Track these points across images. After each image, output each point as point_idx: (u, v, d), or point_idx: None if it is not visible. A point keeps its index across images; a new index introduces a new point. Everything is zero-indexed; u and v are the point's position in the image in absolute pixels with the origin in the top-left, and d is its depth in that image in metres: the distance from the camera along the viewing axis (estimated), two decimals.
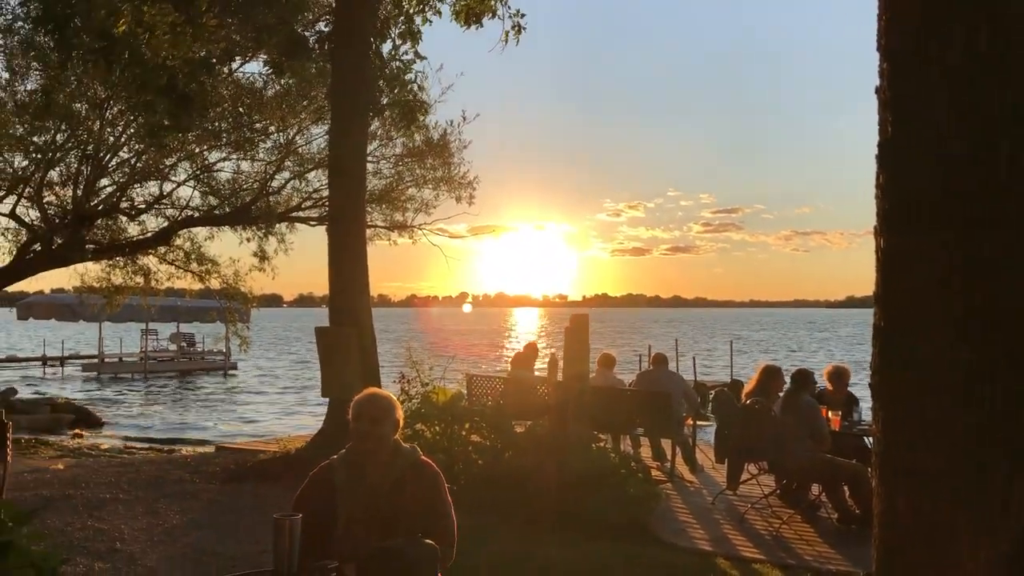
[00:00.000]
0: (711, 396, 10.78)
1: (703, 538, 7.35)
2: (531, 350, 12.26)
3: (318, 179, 17.36)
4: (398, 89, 10.95)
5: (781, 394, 8.07)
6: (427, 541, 3.26)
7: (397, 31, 10.74)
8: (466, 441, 8.91)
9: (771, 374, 8.19)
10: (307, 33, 11.30)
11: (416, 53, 11.08)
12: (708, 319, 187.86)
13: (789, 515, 7.85)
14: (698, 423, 11.43)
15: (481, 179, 17.16)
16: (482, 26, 10.60)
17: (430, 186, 17.19)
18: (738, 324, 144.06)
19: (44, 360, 42.54)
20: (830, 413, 8.21)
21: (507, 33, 10.88)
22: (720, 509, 8.34)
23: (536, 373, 11.92)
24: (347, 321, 10.51)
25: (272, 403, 27.42)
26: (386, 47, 11.13)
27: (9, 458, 5.42)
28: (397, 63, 11.05)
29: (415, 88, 11.15)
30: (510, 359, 12.58)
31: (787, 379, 8.16)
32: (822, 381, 9.10)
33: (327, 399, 10.94)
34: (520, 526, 7.25)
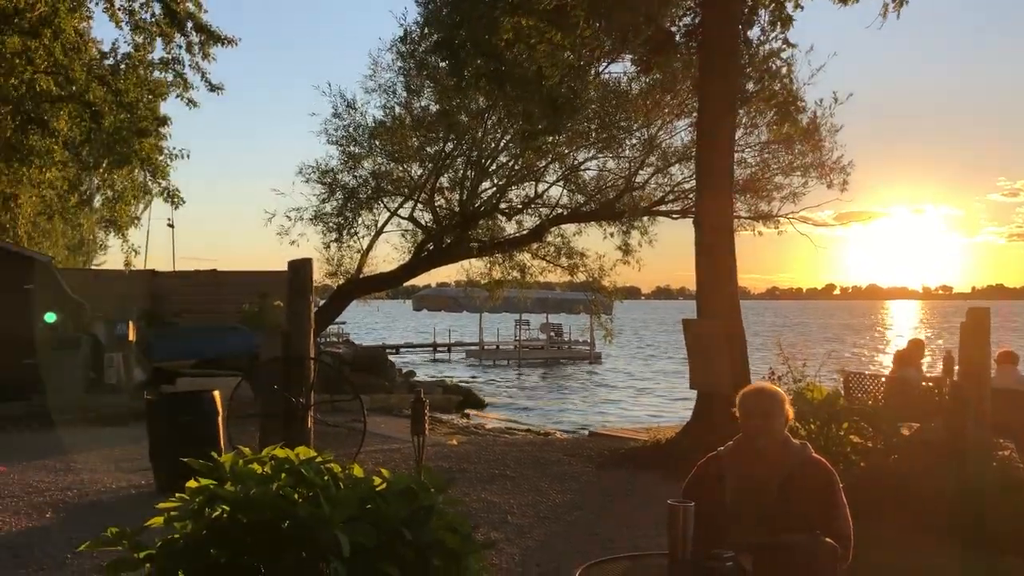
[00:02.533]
0: None
1: None
2: (916, 347, 11.34)
3: (680, 172, 17.50)
4: (767, 80, 10.65)
5: None
6: (827, 540, 3.16)
7: (767, 17, 10.46)
8: (845, 442, 8.46)
9: None
10: (673, 28, 11.41)
11: (786, 40, 10.71)
12: None
13: None
14: None
15: (853, 162, 16.17)
16: (858, 1, 9.96)
17: (798, 173, 16.54)
18: None
19: (434, 346, 47.39)
20: None
21: (887, 7, 10.12)
22: None
23: (924, 372, 11.00)
24: (715, 313, 10.48)
25: (636, 392, 28.10)
26: (754, 32, 10.90)
27: (426, 431, 6.20)
28: (767, 47, 10.77)
29: (787, 83, 10.75)
30: (891, 357, 11.73)
31: None
32: None
33: (694, 391, 11.01)
34: (908, 535, 6.73)
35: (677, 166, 17.37)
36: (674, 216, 17.84)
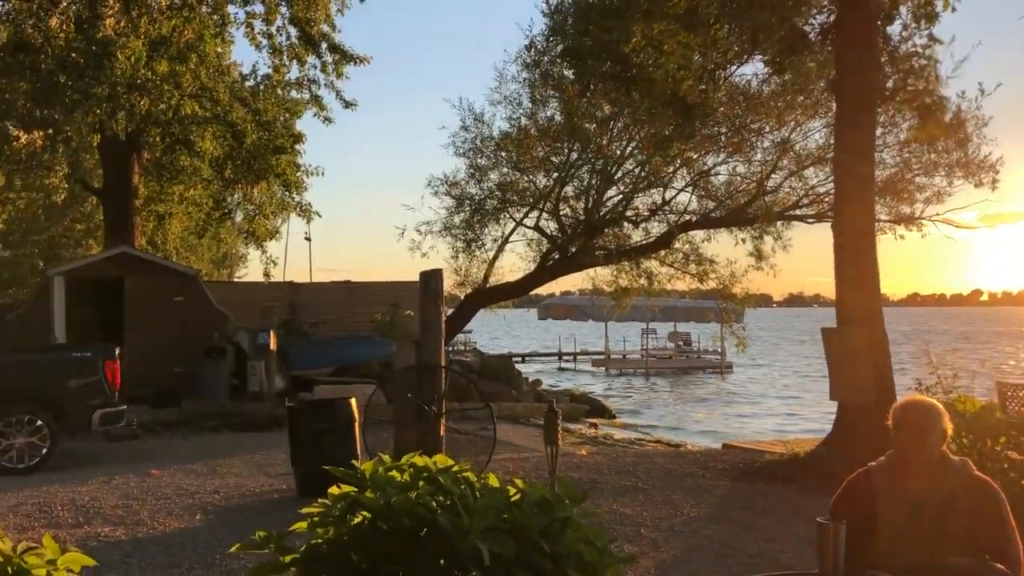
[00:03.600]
0: None
1: None
2: None
3: (815, 175, 16.92)
4: (909, 79, 10.11)
5: None
6: (996, 565, 2.93)
7: (909, 13, 9.93)
8: (1002, 458, 7.92)
9: None
10: (807, 27, 11.03)
11: (931, 36, 10.13)
12: None
13: None
14: None
15: (1004, 158, 15.16)
16: None
17: (942, 172, 15.68)
18: None
19: (560, 355, 47.46)
20: None
21: None
22: None
23: None
24: (856, 321, 10.03)
25: (770, 403, 27.31)
26: (894, 28, 10.40)
27: (559, 442, 6.19)
28: (909, 44, 10.25)
29: (931, 81, 10.17)
30: None
31: None
32: None
33: (834, 402, 10.58)
34: None
35: (812, 168, 16.81)
36: (809, 220, 17.27)
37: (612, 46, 10.87)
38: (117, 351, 11.73)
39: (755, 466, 9.96)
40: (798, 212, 17.35)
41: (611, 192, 18.64)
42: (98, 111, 15.58)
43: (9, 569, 2.64)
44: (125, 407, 11.75)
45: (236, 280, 37.84)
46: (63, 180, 21.55)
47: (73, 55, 15.48)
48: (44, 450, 10.80)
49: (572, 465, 10.32)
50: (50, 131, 16.66)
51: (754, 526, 7.38)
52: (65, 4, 16.28)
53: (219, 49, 18.23)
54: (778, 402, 27.74)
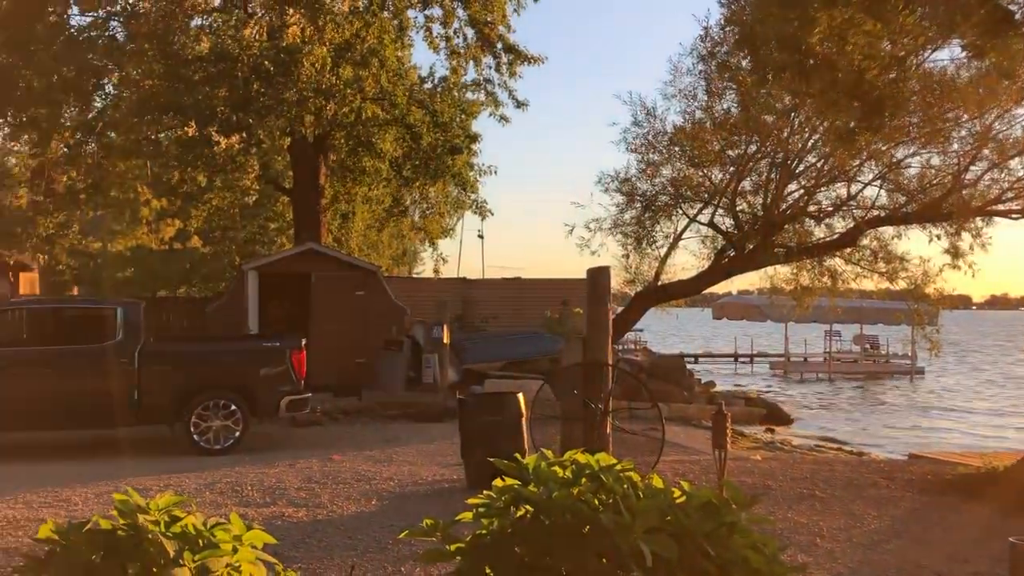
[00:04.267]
0: None
1: None
2: None
3: (1021, 167, 15.61)
4: None
5: None
6: None
7: None
8: None
9: None
10: (1012, 7, 10.14)
11: None
12: None
13: None
14: None
15: None
16: None
17: None
18: None
19: (735, 357, 46.06)
20: None
21: None
22: None
23: None
24: None
25: (964, 413, 25.42)
26: None
27: (728, 445, 6.01)
28: None
29: None
30: None
31: None
32: None
33: None
34: None
35: (1017, 159, 15.51)
36: (1014, 216, 15.95)
37: (792, 35, 10.42)
38: (303, 342, 12.39)
39: (946, 479, 9.31)
40: (1001, 207, 16.06)
41: (791, 187, 17.95)
42: (288, 115, 16.54)
43: (200, 542, 2.84)
44: (310, 395, 12.42)
45: (413, 276, 39.22)
46: (255, 182, 23.04)
47: (265, 63, 16.51)
48: (237, 433, 11.57)
49: (745, 470, 10.01)
50: (244, 135, 17.83)
51: (942, 543, 6.88)
52: (260, 14, 17.40)
53: (399, 53, 18.92)
54: (974, 412, 25.78)
